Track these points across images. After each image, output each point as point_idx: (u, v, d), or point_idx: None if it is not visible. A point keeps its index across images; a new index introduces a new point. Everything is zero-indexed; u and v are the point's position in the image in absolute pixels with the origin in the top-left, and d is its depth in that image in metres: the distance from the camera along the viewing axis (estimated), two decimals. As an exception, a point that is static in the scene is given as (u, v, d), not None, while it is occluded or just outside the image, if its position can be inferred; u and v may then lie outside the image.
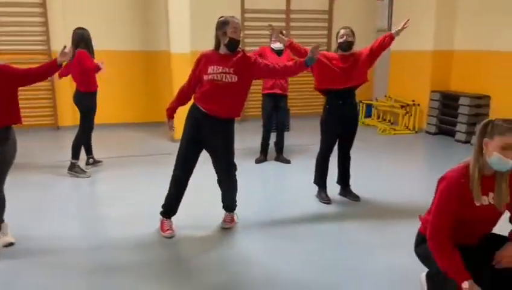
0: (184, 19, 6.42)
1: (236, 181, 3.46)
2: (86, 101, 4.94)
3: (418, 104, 7.49)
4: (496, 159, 2.01)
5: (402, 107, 7.60)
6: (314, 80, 4.03)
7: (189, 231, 3.49)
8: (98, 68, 4.84)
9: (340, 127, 4.02)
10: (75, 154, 4.91)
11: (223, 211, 3.58)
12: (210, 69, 3.16)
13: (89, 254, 3.12)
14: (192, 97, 3.33)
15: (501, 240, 2.27)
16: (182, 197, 3.43)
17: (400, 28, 3.87)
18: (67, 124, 7.41)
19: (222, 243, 3.33)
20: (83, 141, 5.04)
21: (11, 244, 3.15)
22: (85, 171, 4.95)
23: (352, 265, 2.98)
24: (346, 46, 3.89)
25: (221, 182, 3.40)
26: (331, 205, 4.06)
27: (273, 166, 5.42)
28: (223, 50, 3.21)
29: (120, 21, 7.63)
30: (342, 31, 3.92)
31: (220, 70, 3.14)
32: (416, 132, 7.42)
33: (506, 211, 2.18)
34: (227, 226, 3.51)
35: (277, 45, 5.29)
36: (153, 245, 3.26)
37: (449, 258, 2.06)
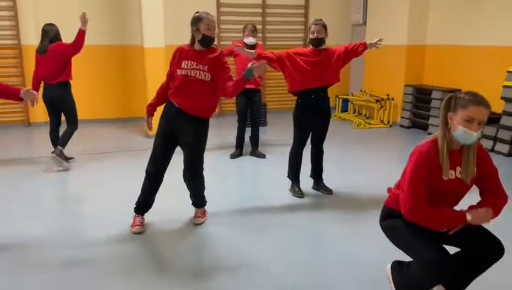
0: (157, 12, 6.34)
1: (202, 179, 3.42)
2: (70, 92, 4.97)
3: (393, 99, 7.60)
4: (460, 132, 2.05)
5: (377, 101, 7.69)
6: (287, 84, 4.01)
7: (163, 225, 3.47)
8: None
9: (312, 121, 4.04)
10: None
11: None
12: (184, 64, 3.14)
13: (58, 249, 3.07)
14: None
15: None
16: (154, 194, 3.41)
17: (374, 42, 3.91)
18: (39, 120, 7.26)
19: (195, 237, 3.32)
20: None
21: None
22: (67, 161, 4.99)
23: (324, 256, 3.01)
24: (317, 43, 3.89)
25: (185, 178, 3.36)
26: (304, 198, 4.09)
27: (248, 161, 5.43)
28: (197, 46, 3.18)
29: (92, 15, 7.46)
30: (313, 27, 3.89)
31: (194, 66, 3.11)
32: (390, 126, 7.53)
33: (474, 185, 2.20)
34: (198, 222, 3.50)
35: (250, 40, 5.28)
36: (125, 240, 3.23)
37: (437, 217, 2.07)
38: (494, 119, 5.80)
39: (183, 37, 6.37)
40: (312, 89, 3.90)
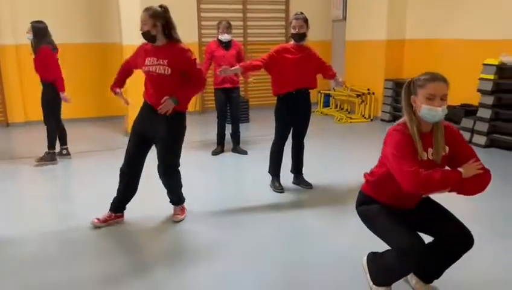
0: (136, 9, 6.26)
1: (176, 175, 3.42)
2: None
3: (373, 93, 7.68)
4: (426, 111, 2.09)
5: (358, 96, 7.76)
6: (271, 87, 4.03)
7: (142, 223, 3.46)
8: None
9: (294, 117, 4.05)
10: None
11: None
12: (147, 61, 3.15)
13: (33, 247, 3.04)
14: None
15: (436, 205, 2.37)
16: (130, 193, 3.40)
17: (340, 80, 4.20)
18: (18, 120, 7.15)
19: (173, 234, 3.31)
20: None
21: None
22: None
23: (304, 251, 3.03)
24: (299, 38, 3.90)
25: (159, 173, 3.35)
26: (284, 193, 4.11)
27: (229, 157, 5.43)
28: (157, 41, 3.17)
29: (70, 13, 7.40)
30: (294, 22, 3.89)
31: (155, 61, 3.11)
32: (371, 120, 7.61)
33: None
34: (177, 219, 3.49)
35: (225, 37, 5.26)
36: (103, 236, 3.22)
37: (439, 178, 2.00)
38: (471, 112, 5.90)
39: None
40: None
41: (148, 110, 3.21)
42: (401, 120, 2.23)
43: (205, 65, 5.42)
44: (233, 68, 3.91)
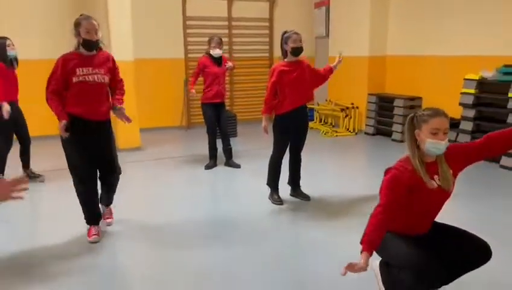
0: (125, 26, 6.31)
1: (117, 181, 3.57)
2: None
3: (357, 107, 7.89)
4: (430, 145, 2.21)
5: (342, 110, 7.96)
6: (276, 107, 4.04)
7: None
8: None
9: (292, 131, 4.13)
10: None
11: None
12: (79, 71, 3.15)
13: (17, 265, 2.99)
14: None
15: (446, 229, 2.49)
16: (96, 201, 3.49)
17: (336, 63, 4.28)
18: None
19: (176, 249, 3.31)
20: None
21: None
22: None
23: (307, 262, 3.10)
24: (299, 52, 4.00)
25: (105, 180, 3.51)
26: (283, 205, 4.17)
27: (223, 171, 5.47)
28: (83, 51, 3.20)
29: (60, 29, 7.34)
30: (295, 36, 3.94)
31: (91, 70, 3.18)
32: (356, 133, 7.80)
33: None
34: (112, 223, 3.65)
35: (216, 52, 5.33)
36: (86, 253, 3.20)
37: (369, 225, 2.16)
38: (453, 124, 6.15)
39: (152, 50, 6.34)
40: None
41: (81, 124, 3.20)
42: (402, 157, 2.34)
43: (193, 79, 5.50)
44: (264, 126, 4.05)
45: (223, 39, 5.72)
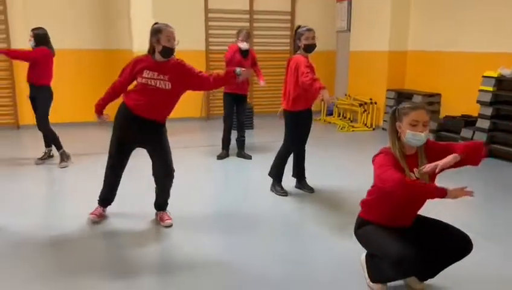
0: (146, 16, 6.48)
1: (171, 183, 3.56)
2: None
3: (375, 102, 7.83)
4: (410, 136, 2.30)
5: (360, 105, 7.92)
6: (290, 100, 4.03)
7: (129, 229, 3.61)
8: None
9: (306, 125, 4.21)
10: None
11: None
12: (145, 73, 3.25)
13: (35, 244, 3.20)
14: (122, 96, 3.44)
15: (429, 222, 2.52)
16: (113, 193, 3.61)
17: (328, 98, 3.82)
18: (28, 122, 7.33)
19: (178, 237, 3.41)
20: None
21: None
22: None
23: (307, 254, 3.17)
24: (313, 48, 4.04)
25: (160, 179, 3.50)
26: (287, 197, 4.24)
27: (234, 162, 5.58)
28: (158, 57, 3.27)
29: (81, 19, 7.62)
30: (308, 33, 3.96)
31: (156, 76, 3.25)
32: (373, 129, 7.75)
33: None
34: (169, 224, 3.53)
35: (244, 45, 5.43)
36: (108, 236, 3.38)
37: (419, 187, 2.18)
38: (470, 122, 6.05)
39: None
40: None
41: (130, 116, 3.30)
42: (386, 146, 2.42)
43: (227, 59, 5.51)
44: (327, 99, 3.71)
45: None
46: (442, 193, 2.15)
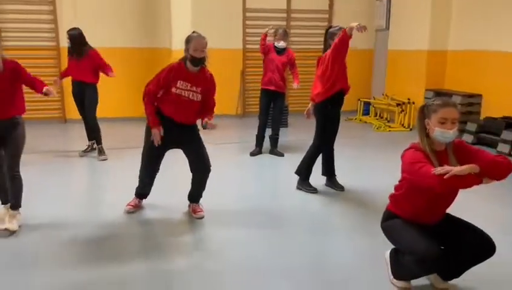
0: (186, 16, 6.68)
1: (207, 177, 3.67)
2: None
3: (413, 102, 7.68)
4: (438, 133, 2.31)
5: (398, 105, 7.80)
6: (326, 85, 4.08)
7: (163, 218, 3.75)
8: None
9: (336, 120, 4.26)
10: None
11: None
12: (179, 84, 3.36)
13: (75, 229, 3.41)
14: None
15: (455, 221, 2.52)
16: (149, 188, 3.78)
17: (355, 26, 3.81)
18: (75, 117, 7.72)
19: (209, 229, 3.54)
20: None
21: (13, 232, 3.29)
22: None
23: (331, 251, 3.22)
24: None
25: (198, 173, 3.63)
26: (317, 194, 4.28)
27: (266, 159, 5.67)
28: (189, 66, 3.37)
29: (123, 18, 7.90)
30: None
31: (189, 87, 3.37)
32: (410, 129, 7.61)
33: None
34: (202, 216, 3.66)
35: (280, 44, 5.54)
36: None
37: (457, 176, 2.13)
38: (511, 124, 5.84)
39: (211, 41, 6.54)
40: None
41: (169, 123, 3.45)
42: (413, 142, 2.44)
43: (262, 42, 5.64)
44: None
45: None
46: (478, 181, 2.15)
